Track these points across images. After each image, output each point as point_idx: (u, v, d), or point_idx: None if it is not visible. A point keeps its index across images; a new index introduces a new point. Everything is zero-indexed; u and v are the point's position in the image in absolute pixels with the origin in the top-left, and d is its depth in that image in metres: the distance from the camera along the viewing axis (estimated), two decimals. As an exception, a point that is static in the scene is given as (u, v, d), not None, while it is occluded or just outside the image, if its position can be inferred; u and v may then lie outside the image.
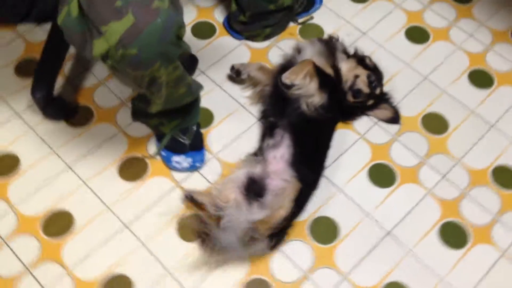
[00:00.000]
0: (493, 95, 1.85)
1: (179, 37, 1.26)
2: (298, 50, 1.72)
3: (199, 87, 1.60)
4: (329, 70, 1.66)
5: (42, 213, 1.59)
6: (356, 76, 1.68)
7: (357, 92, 1.67)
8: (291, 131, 1.57)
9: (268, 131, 1.62)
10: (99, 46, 1.18)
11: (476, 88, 1.86)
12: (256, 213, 1.41)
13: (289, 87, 1.58)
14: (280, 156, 1.54)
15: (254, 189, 1.48)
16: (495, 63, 1.92)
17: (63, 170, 1.67)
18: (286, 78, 1.58)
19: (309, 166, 1.53)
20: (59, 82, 1.81)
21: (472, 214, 1.62)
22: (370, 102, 1.73)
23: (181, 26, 1.24)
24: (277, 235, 1.47)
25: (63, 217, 1.58)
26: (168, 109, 1.54)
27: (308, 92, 1.58)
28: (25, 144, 1.71)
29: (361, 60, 1.75)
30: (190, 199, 1.54)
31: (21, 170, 1.66)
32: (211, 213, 1.49)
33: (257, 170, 1.52)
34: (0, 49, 1.91)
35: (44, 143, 1.71)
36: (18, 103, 1.79)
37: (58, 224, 1.57)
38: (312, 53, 1.69)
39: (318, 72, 1.60)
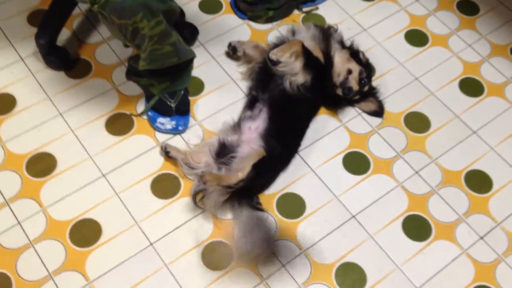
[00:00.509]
0: (480, 104, 1.88)
1: (165, -7, 1.33)
2: (293, 32, 1.78)
3: (190, 53, 1.67)
4: (318, 54, 1.71)
5: (28, 152, 1.67)
6: (349, 72, 1.72)
7: (348, 90, 1.71)
8: (270, 106, 1.63)
9: (249, 104, 1.68)
10: (88, -10, 1.26)
11: (465, 95, 1.90)
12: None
13: (275, 63, 1.64)
14: (255, 127, 1.60)
15: (225, 154, 1.54)
16: (488, 74, 1.95)
17: (55, 116, 1.75)
18: (273, 54, 1.64)
19: (279, 140, 1.58)
20: (66, 34, 1.90)
21: (438, 211, 1.65)
22: (356, 97, 1.78)
23: (168, -17, 1.31)
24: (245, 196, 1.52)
25: (46, 159, 1.66)
26: (157, 69, 1.61)
27: (292, 70, 1.64)
28: (24, 88, 1.80)
29: (355, 53, 1.80)
30: (166, 152, 1.61)
31: (16, 110, 1.75)
32: (183, 171, 1.56)
33: (231, 137, 1.58)
34: (16, -2, 2.00)
35: (41, 89, 1.80)
36: (24, 49, 1.88)
37: (41, 164, 1.65)
38: (305, 36, 1.75)
39: (306, 53, 1.65)
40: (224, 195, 1.49)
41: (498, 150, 1.78)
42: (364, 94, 1.79)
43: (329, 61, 1.75)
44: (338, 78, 1.72)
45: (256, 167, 1.49)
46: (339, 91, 1.72)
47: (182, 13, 1.90)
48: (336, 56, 1.76)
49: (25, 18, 1.95)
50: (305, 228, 1.60)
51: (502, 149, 1.79)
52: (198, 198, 1.55)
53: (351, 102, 1.81)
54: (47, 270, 1.48)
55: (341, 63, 1.74)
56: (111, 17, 1.32)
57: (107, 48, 1.90)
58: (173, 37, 1.48)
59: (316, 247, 1.57)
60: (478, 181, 1.71)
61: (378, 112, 1.81)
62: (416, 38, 2.03)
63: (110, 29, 1.46)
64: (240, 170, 1.48)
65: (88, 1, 1.29)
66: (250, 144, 1.55)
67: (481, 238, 1.62)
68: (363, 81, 1.74)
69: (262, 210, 1.56)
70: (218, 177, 1.47)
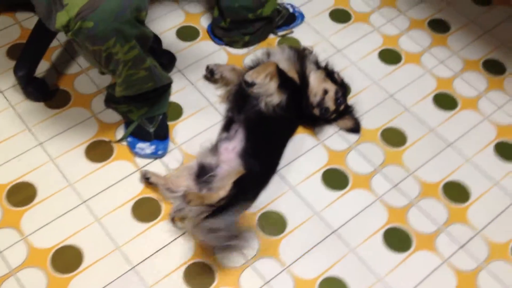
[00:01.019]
0: (455, 117, 1.92)
1: (138, 19, 1.36)
2: (268, 54, 1.82)
3: (166, 78, 1.70)
4: (293, 75, 1.75)
5: (8, 182, 1.67)
6: (325, 92, 1.76)
7: (325, 110, 1.75)
8: (246, 127, 1.66)
9: (225, 126, 1.71)
10: (61, 18, 1.29)
11: (439, 109, 1.94)
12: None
13: (251, 85, 1.67)
14: (232, 148, 1.62)
15: (204, 175, 1.55)
16: (461, 89, 2.00)
17: (34, 146, 1.76)
18: (248, 76, 1.67)
19: (257, 159, 1.60)
20: (45, 66, 1.93)
21: (418, 223, 1.67)
22: (333, 116, 1.81)
23: (140, 9, 1.34)
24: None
25: (27, 188, 1.67)
26: (134, 95, 1.64)
27: (267, 91, 1.67)
28: (3, 119, 1.81)
29: (330, 73, 1.84)
30: (146, 179, 1.62)
31: (-5, 142, 1.76)
32: (163, 196, 1.57)
33: (209, 159, 1.60)
34: (-4, 33, 2.04)
35: (20, 120, 1.82)
36: (3, 82, 1.91)
37: (21, 194, 1.66)
38: (280, 58, 1.79)
39: (280, 74, 1.69)
40: (204, 214, 1.50)
41: (474, 161, 1.81)
42: (341, 113, 1.83)
43: (305, 81, 1.78)
44: (314, 99, 1.75)
45: (236, 184, 1.50)
46: (316, 111, 1.75)
47: (159, 41, 1.94)
48: (311, 76, 1.80)
49: (5, 52, 1.98)
50: (287, 245, 1.60)
51: (477, 160, 1.81)
52: (178, 219, 1.56)
53: (328, 121, 1.84)
54: (28, 298, 1.47)
55: (317, 83, 1.78)
56: (85, 44, 1.35)
57: (85, 78, 1.93)
58: (148, 62, 1.51)
59: (298, 263, 1.58)
60: (456, 192, 1.74)
61: (355, 128, 1.84)
62: (390, 56, 2.07)
63: (85, 56, 1.49)
64: (221, 188, 1.49)
65: (62, 29, 1.32)
66: (229, 163, 1.57)
67: (461, 247, 1.63)
68: (338, 101, 1.77)
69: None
70: (201, 196, 1.48)
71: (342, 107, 1.81)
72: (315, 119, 1.81)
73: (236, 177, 1.51)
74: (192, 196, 1.46)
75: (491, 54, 2.10)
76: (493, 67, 2.06)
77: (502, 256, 1.62)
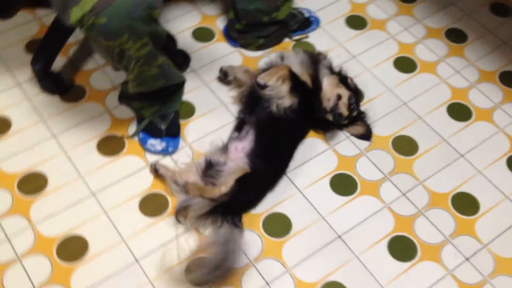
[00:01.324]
0: (468, 128, 1.90)
1: (151, 17, 1.38)
2: (282, 57, 1.82)
3: (179, 77, 1.72)
4: (306, 79, 1.75)
5: (20, 171, 1.70)
6: (339, 97, 1.76)
7: (338, 116, 1.74)
8: (257, 128, 1.67)
9: (237, 126, 1.73)
10: (75, 13, 1.32)
11: (453, 119, 1.92)
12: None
13: (263, 87, 1.68)
14: (241, 148, 1.64)
15: (211, 173, 1.57)
16: (476, 100, 1.98)
17: (48, 138, 1.79)
18: (261, 78, 1.68)
19: (264, 160, 1.61)
20: (62, 61, 1.96)
21: (424, 232, 1.66)
22: (345, 122, 1.81)
23: (153, 7, 1.36)
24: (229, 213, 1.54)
25: (38, 178, 1.70)
26: (147, 92, 1.66)
27: (279, 94, 1.68)
28: (19, 111, 1.85)
29: (343, 79, 1.84)
30: (155, 169, 1.65)
31: (11, 132, 1.80)
32: (170, 188, 1.59)
33: (218, 157, 1.62)
34: (17, 27, 2.08)
35: (36, 112, 1.85)
36: (21, 75, 1.94)
37: (32, 183, 1.69)
38: (294, 61, 1.79)
39: (293, 77, 1.70)
40: (207, 208, 1.51)
41: (486, 173, 1.79)
42: (353, 119, 1.82)
43: (318, 86, 1.78)
44: (328, 104, 1.75)
45: (239, 182, 1.51)
46: (330, 117, 1.75)
47: (174, 40, 1.96)
48: (324, 81, 1.80)
49: (23, 47, 2.02)
50: (290, 247, 1.61)
51: (489, 172, 1.80)
52: (182, 216, 1.57)
53: (340, 126, 1.84)
54: (33, 285, 1.50)
55: (330, 88, 1.78)
56: (98, 40, 1.37)
57: (101, 74, 1.95)
58: (160, 59, 1.53)
59: (301, 266, 1.58)
60: (465, 204, 1.72)
61: (366, 135, 1.83)
62: (405, 64, 2.07)
63: (99, 52, 1.52)
64: (223, 184, 1.50)
65: (76, 24, 1.35)
66: (236, 161, 1.58)
67: (467, 259, 1.62)
68: (352, 106, 1.77)
69: (241, 228, 1.57)
70: (201, 188, 1.50)
71: (355, 113, 1.80)
72: (326, 123, 1.81)
73: (239, 174, 1.52)
74: (191, 186, 1.49)
75: (508, 66, 2.08)
76: (510, 79, 2.04)
77: (508, 272, 1.60)
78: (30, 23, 2.10)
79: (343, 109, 1.74)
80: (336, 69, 1.89)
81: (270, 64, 1.83)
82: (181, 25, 2.13)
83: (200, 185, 1.51)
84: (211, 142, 1.72)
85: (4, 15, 2.01)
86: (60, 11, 1.38)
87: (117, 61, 1.46)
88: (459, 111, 1.94)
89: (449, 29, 2.19)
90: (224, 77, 1.91)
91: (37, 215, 1.63)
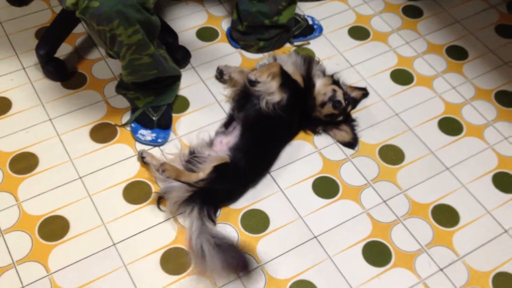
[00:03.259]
0: (457, 143, 1.91)
1: (144, 6, 1.43)
2: (274, 58, 1.86)
3: (174, 70, 1.77)
4: (298, 78, 1.79)
5: (13, 151, 1.77)
6: (334, 90, 1.80)
7: (338, 103, 1.78)
8: (243, 124, 1.70)
9: (226, 123, 1.77)
10: (71, -3, 1.38)
11: (443, 133, 1.93)
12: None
13: (254, 83, 1.72)
14: (226, 142, 1.68)
15: (193, 161, 1.61)
16: (469, 116, 1.99)
17: (44, 121, 1.86)
18: (252, 75, 1.72)
19: (246, 155, 1.64)
20: (67, 49, 2.04)
21: (400, 240, 1.67)
22: (340, 118, 1.83)
23: (145, -5, 1.42)
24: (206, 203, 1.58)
25: (29, 158, 1.76)
26: (142, 83, 1.72)
27: (269, 89, 1.72)
28: (21, 93, 1.92)
29: (336, 82, 1.88)
30: (142, 157, 1.69)
31: (10, 113, 1.87)
32: (154, 176, 1.64)
33: (202, 149, 1.65)
34: (29, 15, 2.16)
35: (36, 95, 1.92)
36: (27, 60, 2.02)
37: (23, 163, 1.75)
38: (287, 61, 1.83)
39: (283, 74, 1.74)
40: (185, 193, 1.55)
41: (470, 188, 1.80)
42: (345, 117, 1.85)
43: (310, 85, 1.82)
44: (324, 96, 1.79)
45: (217, 169, 1.55)
46: (329, 107, 1.78)
47: (175, 36, 2.02)
48: (318, 81, 1.84)
49: (33, 33, 2.10)
50: (266, 244, 1.63)
51: (473, 187, 1.80)
52: (162, 203, 1.61)
53: (329, 124, 1.85)
54: (12, 259, 1.55)
55: (323, 86, 1.82)
56: (91, 23, 1.43)
57: (103, 64, 2.02)
58: (152, 48, 1.58)
59: (274, 262, 1.60)
60: (445, 215, 1.73)
61: (352, 143, 1.86)
62: (401, 77, 2.09)
63: (93, 36, 1.57)
64: (202, 170, 1.54)
65: (72, 7, 1.41)
66: (218, 152, 1.62)
67: (441, 269, 1.62)
68: (347, 101, 1.80)
69: (214, 222, 1.61)
70: (178, 171, 1.54)
71: (349, 108, 1.84)
72: (316, 121, 1.84)
73: (218, 162, 1.56)
74: (168, 166, 1.52)
75: (506, 85, 2.08)
76: (506, 98, 2.04)
77: (481, 285, 1.60)
78: (43, 11, 2.18)
79: (341, 98, 1.78)
80: (329, 74, 1.92)
81: (264, 65, 1.87)
82: (187, 23, 2.19)
83: (178, 168, 1.55)
84: (198, 135, 1.76)
85: (19, 2, 2.11)
86: (58, -5, 1.45)
87: (109, 46, 1.52)
88: (450, 126, 1.96)
89: (450, 46, 2.20)
90: (220, 76, 1.96)
91: (24, 193, 1.68)
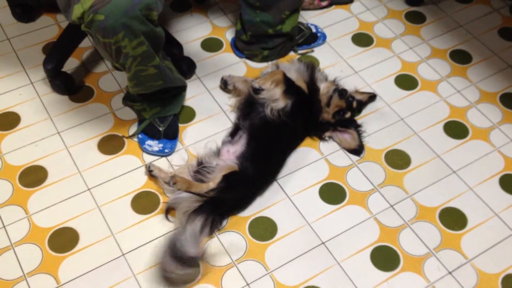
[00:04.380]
0: (463, 146, 1.92)
1: (149, 18, 1.46)
2: (277, 66, 1.88)
3: (179, 81, 1.79)
4: (301, 84, 1.81)
5: (23, 164, 1.79)
6: (337, 85, 1.86)
7: (343, 91, 1.82)
8: (249, 133, 1.72)
9: (232, 132, 1.79)
10: (76, 10, 1.40)
11: (448, 137, 1.94)
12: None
13: (258, 91, 1.74)
14: (233, 151, 1.69)
15: (201, 171, 1.62)
16: (475, 119, 1.99)
17: (53, 134, 1.88)
18: (256, 82, 1.74)
19: (253, 163, 1.65)
20: (74, 63, 2.07)
21: (408, 244, 1.67)
22: (348, 114, 1.85)
23: (150, 8, 1.44)
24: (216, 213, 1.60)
25: (39, 171, 1.78)
26: (148, 94, 1.74)
27: (273, 96, 1.74)
28: (29, 108, 1.95)
29: (338, 84, 1.90)
30: (149, 171, 1.71)
31: (19, 127, 1.89)
32: (162, 188, 1.66)
33: (210, 159, 1.67)
34: (36, 30, 2.20)
35: (44, 109, 1.94)
36: (34, 75, 2.05)
37: (33, 176, 1.77)
38: (290, 68, 1.85)
39: (287, 81, 1.76)
40: (195, 203, 1.56)
41: (477, 190, 1.80)
42: (352, 113, 1.87)
43: (314, 90, 1.84)
44: (328, 93, 1.83)
45: (226, 178, 1.56)
46: (335, 101, 1.82)
47: (180, 47, 2.04)
48: (321, 85, 1.86)
49: (41, 49, 2.13)
50: (274, 251, 1.64)
51: (480, 190, 1.80)
52: (171, 213, 1.63)
53: (337, 125, 1.87)
54: (22, 271, 1.57)
55: (327, 87, 1.86)
56: (97, 36, 1.45)
57: (110, 77, 2.04)
58: (157, 60, 1.60)
59: (282, 269, 1.61)
60: (453, 218, 1.73)
61: (357, 150, 1.86)
62: (406, 82, 2.10)
63: (98, 49, 1.59)
64: (211, 180, 1.56)
65: (77, 21, 1.43)
66: (226, 162, 1.64)
67: (450, 273, 1.62)
68: (350, 98, 1.82)
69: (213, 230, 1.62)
70: (188, 182, 1.56)
71: (354, 104, 1.86)
72: (322, 127, 1.85)
73: (227, 171, 1.57)
74: (178, 178, 1.54)
75: (510, 88, 2.09)
76: (511, 101, 2.04)
77: (491, 287, 1.59)
78: (50, 27, 2.22)
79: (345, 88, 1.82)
80: (331, 79, 1.94)
81: (267, 73, 1.88)
82: (192, 34, 2.22)
83: (188, 179, 1.57)
84: (205, 146, 1.78)
85: (26, 19, 2.15)
86: (64, 9, 1.47)
87: (114, 58, 1.54)
88: (456, 129, 1.96)
89: (454, 50, 2.21)
90: (224, 86, 1.98)
91: (34, 206, 1.70)
